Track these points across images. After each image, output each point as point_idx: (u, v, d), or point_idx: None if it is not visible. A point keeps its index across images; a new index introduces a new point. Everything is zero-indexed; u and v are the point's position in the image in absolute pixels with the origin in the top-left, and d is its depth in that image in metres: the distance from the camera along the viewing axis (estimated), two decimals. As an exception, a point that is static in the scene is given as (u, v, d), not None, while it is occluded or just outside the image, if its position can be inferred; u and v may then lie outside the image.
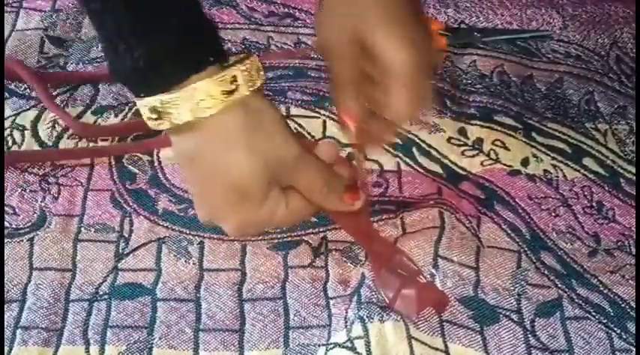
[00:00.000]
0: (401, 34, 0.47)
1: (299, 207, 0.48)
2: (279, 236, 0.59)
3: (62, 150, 0.65)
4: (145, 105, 0.43)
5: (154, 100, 0.43)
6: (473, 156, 0.65)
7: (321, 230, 0.60)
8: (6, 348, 0.52)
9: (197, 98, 0.42)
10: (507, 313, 0.55)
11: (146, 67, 0.42)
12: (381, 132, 0.52)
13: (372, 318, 0.52)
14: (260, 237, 0.59)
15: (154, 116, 0.43)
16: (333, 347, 0.51)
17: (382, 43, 0.47)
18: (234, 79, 0.43)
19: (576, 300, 0.56)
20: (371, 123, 0.50)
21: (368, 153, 0.62)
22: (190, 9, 0.44)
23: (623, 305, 0.55)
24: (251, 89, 0.44)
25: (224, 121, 0.44)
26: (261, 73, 0.45)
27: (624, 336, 0.54)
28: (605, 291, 0.56)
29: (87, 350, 0.53)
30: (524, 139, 0.66)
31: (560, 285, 0.57)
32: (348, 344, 0.51)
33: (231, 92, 0.43)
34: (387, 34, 0.47)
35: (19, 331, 0.53)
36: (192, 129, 0.44)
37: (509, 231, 0.60)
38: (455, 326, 0.53)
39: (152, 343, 0.53)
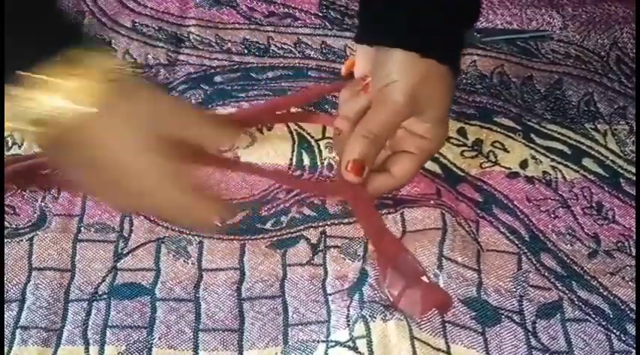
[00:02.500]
0: (441, 123, 0.54)
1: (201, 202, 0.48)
2: (278, 233, 0.59)
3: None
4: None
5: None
6: (472, 157, 0.65)
7: (320, 224, 0.60)
8: (5, 348, 0.52)
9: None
10: (509, 314, 0.55)
11: None
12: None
13: (375, 317, 0.52)
14: (259, 236, 0.59)
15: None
16: (335, 345, 0.51)
17: (423, 125, 0.53)
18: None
19: (576, 302, 0.56)
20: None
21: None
22: None
23: (622, 308, 0.55)
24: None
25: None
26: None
27: (623, 338, 0.54)
28: (605, 293, 0.56)
29: (86, 350, 0.53)
30: (523, 141, 0.66)
31: (560, 287, 0.57)
32: (350, 343, 0.51)
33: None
34: (431, 120, 0.53)
35: (18, 331, 0.53)
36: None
37: (508, 234, 0.60)
38: (457, 327, 0.53)
39: (152, 343, 0.53)
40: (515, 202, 0.62)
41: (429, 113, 0.53)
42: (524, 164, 0.64)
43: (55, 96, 0.43)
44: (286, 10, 0.78)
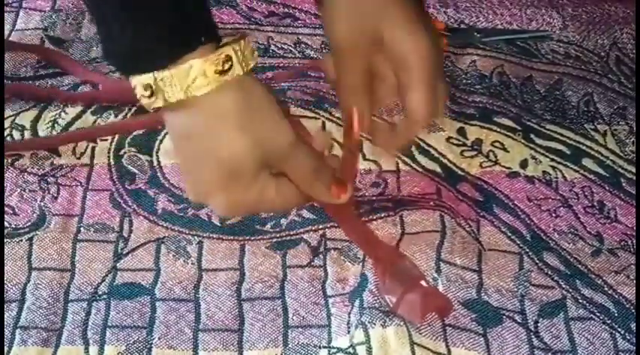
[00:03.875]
0: (419, 31, 0.48)
1: (289, 193, 0.48)
2: (277, 235, 0.59)
3: (61, 135, 0.65)
4: (138, 82, 0.43)
5: (147, 78, 0.43)
6: (472, 157, 0.65)
7: (320, 227, 0.60)
8: (5, 348, 0.52)
9: (191, 77, 0.42)
10: (511, 314, 0.55)
11: (139, 46, 0.42)
12: (395, 137, 0.52)
13: (374, 324, 0.52)
14: (259, 237, 0.59)
15: (147, 93, 0.43)
16: (336, 352, 0.51)
17: (402, 39, 0.47)
18: (227, 59, 0.43)
19: (580, 301, 0.56)
20: (384, 128, 0.51)
21: (365, 153, 0.63)
22: None
23: (627, 306, 0.55)
24: (245, 70, 0.44)
25: (217, 100, 0.43)
26: (255, 54, 0.45)
27: (628, 337, 0.54)
28: (609, 292, 0.56)
29: (86, 350, 0.53)
30: (523, 141, 0.66)
31: (564, 286, 0.56)
32: (350, 350, 0.51)
33: (224, 72, 0.43)
34: (406, 31, 0.48)
35: (18, 331, 0.53)
36: (185, 107, 0.44)
37: (509, 234, 0.60)
38: (458, 330, 0.53)
39: (151, 343, 0.53)
40: (515, 202, 0.62)
41: (388, 33, 0.48)
42: (524, 164, 0.64)
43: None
44: (286, 10, 0.78)
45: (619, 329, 0.54)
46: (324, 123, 0.67)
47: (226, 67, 0.43)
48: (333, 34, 0.50)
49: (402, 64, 0.48)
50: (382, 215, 0.59)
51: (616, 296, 0.56)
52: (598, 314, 0.55)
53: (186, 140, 0.46)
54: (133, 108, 0.68)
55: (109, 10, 0.43)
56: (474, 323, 0.54)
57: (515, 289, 0.56)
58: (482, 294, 0.55)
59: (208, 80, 0.43)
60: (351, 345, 0.51)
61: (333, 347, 0.52)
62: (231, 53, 0.43)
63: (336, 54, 0.50)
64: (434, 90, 0.49)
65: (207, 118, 0.44)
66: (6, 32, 0.74)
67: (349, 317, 0.53)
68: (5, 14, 0.75)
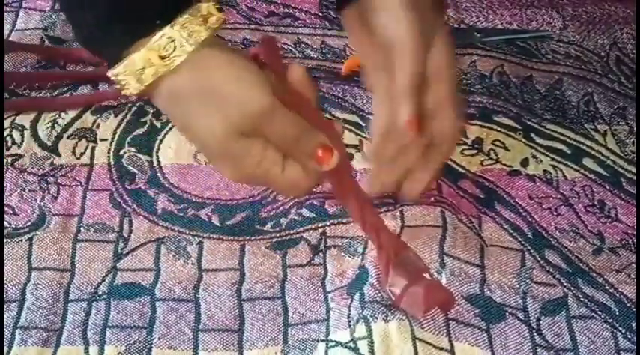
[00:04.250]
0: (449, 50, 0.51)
1: (294, 172, 0.48)
2: (277, 235, 0.59)
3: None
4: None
5: (109, 72, 0.44)
6: (472, 155, 0.65)
7: (320, 226, 0.60)
8: (5, 348, 0.52)
9: (137, 67, 0.42)
10: (513, 311, 0.55)
11: (95, 36, 0.43)
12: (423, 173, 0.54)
13: (376, 318, 0.51)
14: (259, 237, 0.59)
15: (170, 50, 0.43)
16: (335, 345, 0.51)
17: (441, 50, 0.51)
18: (170, 40, 0.42)
19: (582, 299, 0.56)
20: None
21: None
22: None
23: (628, 305, 0.55)
24: (193, 46, 0.43)
25: (172, 86, 0.43)
26: (212, 19, 0.44)
27: (629, 336, 0.54)
28: (610, 290, 0.56)
29: (86, 350, 0.53)
30: (523, 140, 0.66)
31: (565, 283, 0.56)
32: (351, 344, 0.51)
33: (167, 56, 0.42)
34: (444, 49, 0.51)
35: (18, 331, 0.53)
36: (152, 92, 0.44)
37: (511, 231, 0.60)
38: (461, 325, 0.53)
39: (151, 343, 0.53)
40: (516, 199, 0.62)
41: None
42: (524, 162, 0.64)
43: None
44: (286, 10, 0.78)
45: (620, 328, 0.54)
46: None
47: (170, 49, 0.42)
48: (394, 31, 0.49)
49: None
50: (382, 209, 0.59)
51: (617, 295, 0.56)
52: (599, 312, 0.55)
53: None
54: (134, 108, 0.68)
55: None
56: (477, 318, 0.54)
57: (518, 286, 0.56)
58: (486, 289, 0.55)
59: (155, 68, 0.42)
60: (353, 340, 0.51)
61: (332, 341, 0.52)
62: (173, 34, 0.42)
63: (397, 53, 0.50)
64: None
65: (169, 105, 0.44)
66: (6, 32, 0.74)
67: (349, 310, 0.53)
68: (5, 14, 0.75)
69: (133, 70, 0.43)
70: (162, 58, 0.42)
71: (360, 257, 0.57)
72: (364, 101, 0.69)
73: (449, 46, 0.52)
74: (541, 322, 0.54)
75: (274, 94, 0.45)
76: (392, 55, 0.50)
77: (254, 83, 0.45)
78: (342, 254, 0.58)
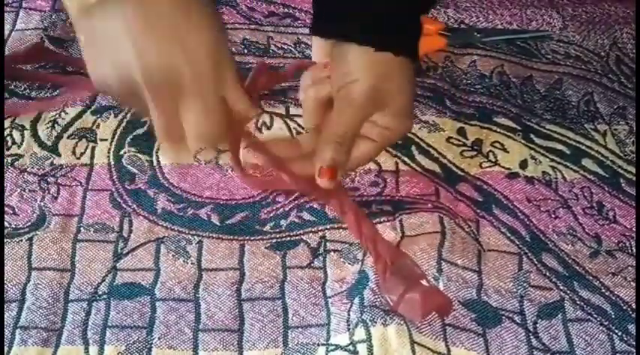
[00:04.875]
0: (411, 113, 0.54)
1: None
2: (277, 236, 0.59)
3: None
4: None
5: None
6: (472, 157, 0.65)
7: (319, 229, 0.60)
8: (5, 348, 0.52)
9: None
10: (510, 315, 0.55)
11: None
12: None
13: (375, 322, 0.52)
14: (259, 237, 0.59)
15: None
16: (335, 348, 0.52)
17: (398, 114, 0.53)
18: None
19: (578, 302, 0.56)
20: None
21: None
22: None
23: (624, 308, 0.55)
24: None
25: (109, 11, 0.44)
26: None
27: (625, 338, 0.54)
28: (607, 293, 0.56)
29: (86, 350, 0.53)
30: (522, 141, 0.66)
31: (561, 287, 0.57)
32: (351, 347, 0.51)
33: None
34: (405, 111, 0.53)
35: (18, 331, 0.53)
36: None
37: (509, 234, 0.60)
38: (457, 330, 0.53)
39: (151, 343, 0.53)
40: (515, 202, 0.62)
41: (391, 107, 0.52)
42: (523, 164, 0.64)
43: None
44: (286, 10, 0.78)
45: (616, 331, 0.54)
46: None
47: None
48: (352, 86, 0.51)
49: (372, 128, 0.53)
50: (382, 220, 0.59)
51: (613, 298, 0.56)
52: (595, 315, 0.55)
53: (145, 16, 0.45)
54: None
55: None
56: (473, 323, 0.54)
57: (515, 290, 0.56)
58: (482, 294, 0.55)
59: None
60: (352, 343, 0.51)
61: (332, 345, 0.52)
62: None
63: (341, 102, 0.52)
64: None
65: (106, 34, 0.45)
66: (6, 32, 0.74)
67: (349, 314, 0.53)
68: (5, 14, 0.75)
69: None
70: None
71: (360, 264, 0.57)
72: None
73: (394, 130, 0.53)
74: (538, 325, 0.54)
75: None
76: (338, 103, 0.52)
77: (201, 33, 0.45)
78: (342, 260, 0.58)
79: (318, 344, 0.53)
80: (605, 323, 0.55)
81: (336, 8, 0.53)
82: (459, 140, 0.66)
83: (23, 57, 0.70)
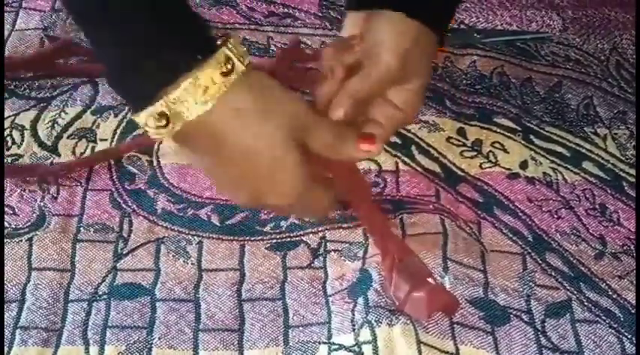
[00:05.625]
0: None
1: (320, 194, 0.49)
2: (277, 236, 0.59)
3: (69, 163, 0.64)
4: (149, 115, 0.43)
5: (158, 105, 0.42)
6: (472, 157, 0.65)
7: (320, 230, 0.60)
8: (5, 348, 0.52)
9: (202, 87, 0.42)
10: (518, 313, 0.55)
11: (142, 72, 0.42)
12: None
13: (381, 322, 0.52)
14: (259, 237, 0.59)
15: (163, 123, 0.43)
16: (339, 348, 0.52)
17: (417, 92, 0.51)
18: (227, 60, 0.43)
19: (586, 303, 0.56)
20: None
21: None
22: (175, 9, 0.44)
23: (632, 311, 0.55)
24: (245, 64, 0.44)
25: (232, 102, 0.43)
26: (244, 48, 0.45)
27: (635, 342, 0.53)
28: (614, 296, 0.56)
29: (86, 351, 0.53)
30: (522, 142, 0.66)
31: (568, 287, 0.57)
32: (356, 348, 0.51)
33: (228, 73, 0.43)
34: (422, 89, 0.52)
35: (18, 331, 0.53)
36: (202, 123, 0.43)
37: (511, 235, 0.60)
38: (466, 328, 0.53)
39: (152, 343, 0.53)
40: (516, 203, 0.62)
41: (413, 81, 0.51)
42: (524, 165, 0.65)
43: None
44: (286, 10, 0.78)
45: (626, 334, 0.54)
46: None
47: (229, 67, 0.43)
48: (388, 50, 0.50)
49: (382, 108, 0.51)
50: (381, 217, 0.60)
51: (621, 301, 0.56)
52: (604, 317, 0.55)
53: (216, 154, 0.45)
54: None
55: (105, 39, 0.43)
56: (481, 321, 0.54)
57: (521, 289, 0.56)
58: (489, 293, 0.55)
59: (218, 85, 0.43)
60: (357, 344, 0.51)
61: (335, 344, 0.52)
62: (228, 53, 0.43)
63: (374, 66, 0.50)
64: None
65: (229, 123, 0.44)
66: (6, 32, 0.74)
67: (353, 314, 0.53)
68: (5, 14, 0.75)
69: (196, 91, 0.42)
70: (223, 75, 0.43)
71: (360, 261, 0.57)
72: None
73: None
74: (546, 324, 0.54)
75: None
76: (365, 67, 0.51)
77: (291, 93, 0.47)
78: (342, 258, 0.58)
79: (320, 342, 0.53)
80: (615, 326, 0.54)
81: None
82: (459, 140, 0.66)
83: (51, 54, 0.70)
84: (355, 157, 0.50)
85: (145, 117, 0.43)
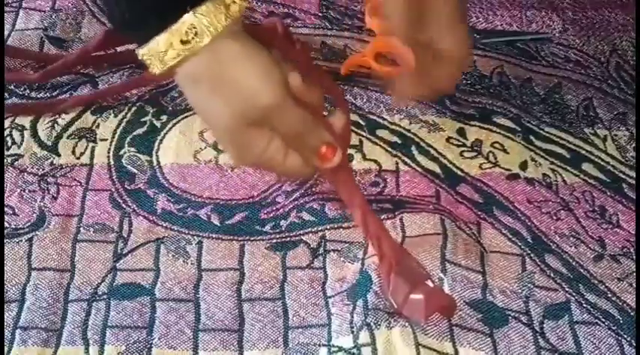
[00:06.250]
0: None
1: (297, 163, 0.50)
2: (277, 236, 0.59)
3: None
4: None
5: (189, 16, 0.44)
6: (471, 157, 0.65)
7: (319, 229, 0.60)
8: (5, 348, 0.52)
9: (161, 50, 0.45)
10: (516, 315, 0.55)
11: (129, 20, 0.45)
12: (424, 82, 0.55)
13: (380, 325, 0.52)
14: (259, 237, 0.59)
15: (191, 36, 0.44)
16: (338, 350, 0.52)
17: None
18: (191, 28, 0.44)
19: (584, 305, 0.56)
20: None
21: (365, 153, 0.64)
22: None
23: (632, 314, 0.55)
24: (214, 34, 0.45)
25: (190, 70, 0.46)
26: (234, 7, 0.45)
27: (635, 344, 0.53)
28: (613, 299, 0.56)
29: (86, 351, 0.53)
30: (522, 142, 0.66)
31: (567, 289, 0.57)
32: (355, 350, 0.51)
33: (189, 41, 0.45)
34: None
35: (18, 331, 0.53)
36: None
37: (510, 236, 0.60)
38: (464, 330, 0.53)
39: (151, 343, 0.53)
40: (515, 204, 0.62)
41: (434, 19, 0.52)
42: (523, 165, 0.65)
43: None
44: (286, 10, 0.78)
45: (625, 336, 0.54)
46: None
47: (191, 35, 0.44)
48: None
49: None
50: (382, 217, 0.59)
51: (620, 304, 0.56)
52: (603, 319, 0.55)
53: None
54: (133, 108, 0.68)
55: None
56: (480, 323, 0.54)
57: (520, 290, 0.56)
58: (488, 295, 0.55)
59: (176, 51, 0.44)
60: (356, 346, 0.51)
61: (334, 346, 0.52)
62: (193, 21, 0.44)
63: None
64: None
65: (183, 85, 0.47)
66: (6, 32, 0.73)
67: (352, 316, 0.53)
68: (5, 14, 0.75)
69: (156, 52, 0.45)
70: (184, 42, 0.44)
71: (360, 262, 0.57)
72: (364, 101, 0.69)
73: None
74: (544, 325, 0.54)
75: (287, 88, 0.47)
76: None
77: (267, 78, 0.46)
78: (342, 259, 0.58)
79: (320, 345, 0.53)
80: (614, 328, 0.54)
81: None
82: (459, 140, 0.66)
83: (94, 47, 0.70)
84: (310, 160, 0.50)
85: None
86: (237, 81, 0.46)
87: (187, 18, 0.44)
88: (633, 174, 0.64)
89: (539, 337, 0.54)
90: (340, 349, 0.52)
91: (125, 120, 0.67)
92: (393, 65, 0.57)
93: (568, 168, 0.65)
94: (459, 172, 0.64)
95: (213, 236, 0.59)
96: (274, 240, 0.59)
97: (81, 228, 0.59)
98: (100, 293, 0.56)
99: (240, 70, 0.46)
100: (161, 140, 0.66)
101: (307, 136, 0.49)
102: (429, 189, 0.62)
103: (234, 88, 0.46)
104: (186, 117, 0.67)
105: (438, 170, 0.64)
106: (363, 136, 0.66)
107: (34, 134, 0.65)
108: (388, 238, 0.56)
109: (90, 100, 0.68)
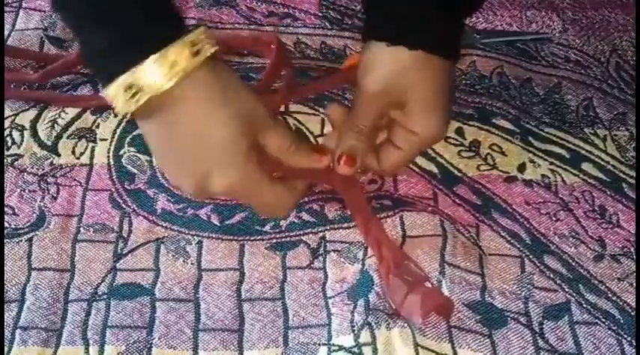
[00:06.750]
0: (436, 115, 0.51)
1: (284, 192, 0.50)
2: (277, 236, 0.59)
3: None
4: (119, 85, 0.44)
5: (128, 75, 0.43)
6: (469, 157, 0.65)
7: (319, 230, 0.60)
8: (5, 348, 0.52)
9: (169, 62, 0.43)
10: (515, 316, 0.55)
11: (114, 44, 0.44)
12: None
13: (380, 325, 0.52)
14: (259, 237, 0.59)
15: (131, 93, 0.44)
16: (338, 349, 0.52)
17: (418, 116, 0.51)
18: (196, 43, 0.44)
19: (584, 305, 0.56)
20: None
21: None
22: None
23: (632, 314, 0.55)
24: (213, 51, 0.45)
25: (195, 83, 0.45)
26: (214, 42, 0.46)
27: (635, 344, 0.53)
28: (614, 298, 0.56)
29: (86, 351, 0.53)
30: (521, 144, 0.66)
31: (567, 289, 0.57)
32: (356, 349, 0.51)
33: (196, 54, 0.44)
34: (426, 112, 0.51)
35: (18, 331, 0.53)
36: (165, 103, 0.45)
37: (509, 237, 0.60)
38: (463, 332, 0.53)
39: (151, 343, 0.53)
40: (513, 206, 0.62)
41: (410, 105, 0.51)
42: (522, 167, 0.64)
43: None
44: (286, 10, 0.78)
45: (626, 336, 0.54)
46: (323, 120, 0.67)
47: (197, 49, 0.44)
48: (367, 77, 0.51)
49: (406, 131, 0.52)
50: (382, 215, 0.59)
51: (620, 303, 0.56)
52: (603, 319, 0.55)
53: (169, 136, 0.46)
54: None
55: (78, 16, 0.45)
56: (479, 324, 0.54)
57: (519, 291, 0.56)
58: (487, 296, 0.56)
59: (185, 64, 0.44)
60: (357, 345, 0.51)
61: (334, 345, 0.52)
62: (199, 36, 0.45)
63: (359, 95, 0.52)
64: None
65: (189, 105, 0.45)
66: (6, 32, 0.74)
67: (352, 315, 0.53)
68: (5, 14, 0.75)
69: (164, 64, 0.44)
70: (192, 55, 0.44)
71: (360, 263, 0.57)
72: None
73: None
74: (544, 326, 0.54)
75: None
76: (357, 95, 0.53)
77: (226, 151, 0.47)
78: (342, 260, 0.58)
79: (320, 344, 0.53)
80: (614, 328, 0.55)
81: (366, 12, 0.55)
82: (457, 140, 0.66)
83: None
84: (304, 163, 0.51)
85: (114, 89, 0.44)
86: (238, 90, 0.47)
87: (191, 36, 0.44)
88: (633, 173, 0.64)
89: (538, 338, 0.54)
90: (341, 348, 0.52)
91: (125, 120, 0.67)
92: None
93: (568, 168, 0.65)
94: (457, 172, 0.64)
95: (213, 236, 0.59)
96: (274, 240, 0.59)
97: (81, 228, 0.59)
98: (100, 293, 0.56)
99: (237, 84, 0.47)
100: (161, 140, 0.65)
101: (298, 143, 0.50)
102: (427, 190, 0.62)
103: (238, 97, 0.46)
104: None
105: (435, 170, 0.64)
106: None
107: (34, 134, 0.65)
108: (387, 242, 0.56)
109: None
